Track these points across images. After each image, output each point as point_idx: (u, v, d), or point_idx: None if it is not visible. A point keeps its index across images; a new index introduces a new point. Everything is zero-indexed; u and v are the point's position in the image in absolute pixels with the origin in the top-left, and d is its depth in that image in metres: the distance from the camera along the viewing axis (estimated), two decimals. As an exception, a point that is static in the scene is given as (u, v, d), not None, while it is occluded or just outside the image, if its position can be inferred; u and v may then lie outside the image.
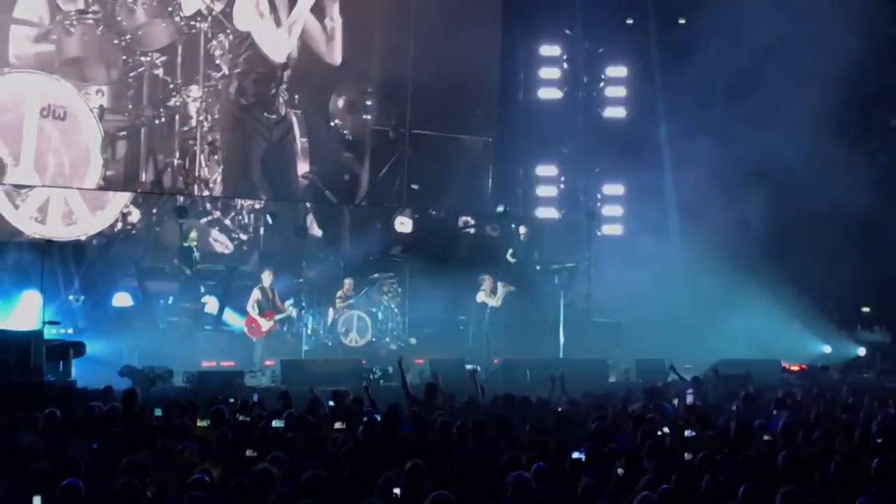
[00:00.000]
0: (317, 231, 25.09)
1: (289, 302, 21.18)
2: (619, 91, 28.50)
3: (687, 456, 10.43)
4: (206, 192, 23.90)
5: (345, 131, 25.18)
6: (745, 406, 14.40)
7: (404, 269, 23.74)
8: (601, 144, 28.10)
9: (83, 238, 22.87)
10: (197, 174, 23.59)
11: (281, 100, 24.23)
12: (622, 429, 11.98)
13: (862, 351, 24.94)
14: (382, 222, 26.01)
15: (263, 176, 24.22)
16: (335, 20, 24.48)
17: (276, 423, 11.83)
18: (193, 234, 21.51)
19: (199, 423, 11.69)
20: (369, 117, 25.42)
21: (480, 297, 21.97)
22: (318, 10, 24.47)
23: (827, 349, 24.91)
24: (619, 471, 9.52)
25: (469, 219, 27.43)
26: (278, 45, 23.97)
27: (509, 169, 27.57)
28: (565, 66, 28.44)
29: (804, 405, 14.75)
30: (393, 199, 25.84)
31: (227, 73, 23.75)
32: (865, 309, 26.57)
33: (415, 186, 25.84)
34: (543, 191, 28.27)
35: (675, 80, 26.46)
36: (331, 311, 22.25)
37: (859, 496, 8.92)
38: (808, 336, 24.76)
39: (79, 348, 17.92)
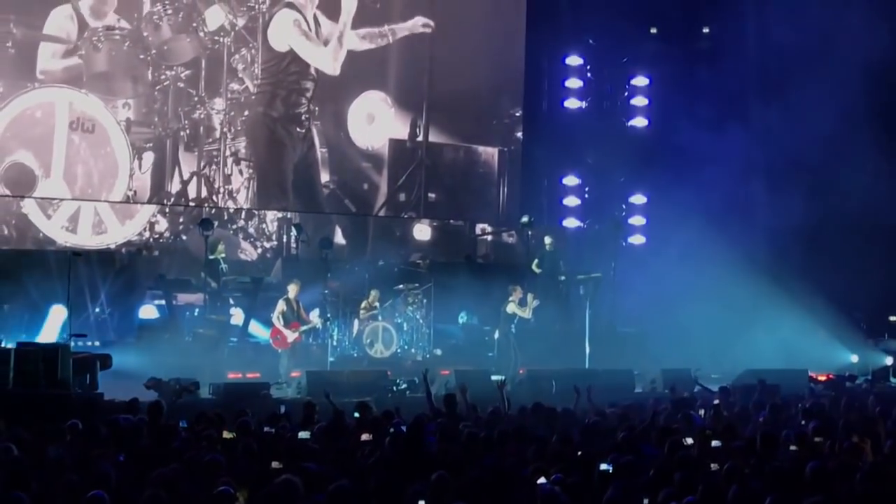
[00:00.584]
0: (341, 241, 25.27)
1: (314, 313, 21.19)
2: (643, 100, 28.49)
3: (714, 467, 10.38)
4: (229, 202, 24.10)
5: (363, 141, 25.30)
6: (773, 416, 14.33)
7: (429, 280, 23.73)
8: (625, 154, 28.08)
9: (112, 246, 23.17)
10: (222, 184, 23.84)
11: (308, 113, 24.40)
12: (649, 440, 11.94)
13: (889, 360, 24.78)
14: (401, 231, 26.13)
15: (293, 188, 24.42)
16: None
17: (302, 435, 11.83)
18: (221, 247, 21.65)
19: (226, 435, 11.69)
20: (387, 127, 25.52)
21: (510, 307, 21.79)
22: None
23: (854, 358, 24.78)
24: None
25: (486, 226, 27.55)
26: (331, 59, 24.12)
27: (534, 179, 27.58)
28: (589, 76, 28.46)
29: (832, 415, 14.67)
30: (411, 208, 25.96)
31: (250, 87, 23.95)
32: (893, 318, 26.44)
33: (432, 195, 25.97)
34: (568, 201, 28.27)
35: (699, 90, 26.44)
36: (356, 322, 22.26)
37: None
38: (836, 345, 24.65)
39: (105, 361, 17.97)
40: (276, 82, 24.02)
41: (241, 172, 24.18)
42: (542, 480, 9.54)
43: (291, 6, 23.91)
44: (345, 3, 24.33)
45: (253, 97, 24.08)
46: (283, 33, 23.84)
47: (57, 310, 20.12)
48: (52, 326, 20.31)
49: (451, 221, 26.98)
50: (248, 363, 20.35)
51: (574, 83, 28.25)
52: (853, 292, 24.63)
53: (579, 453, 10.75)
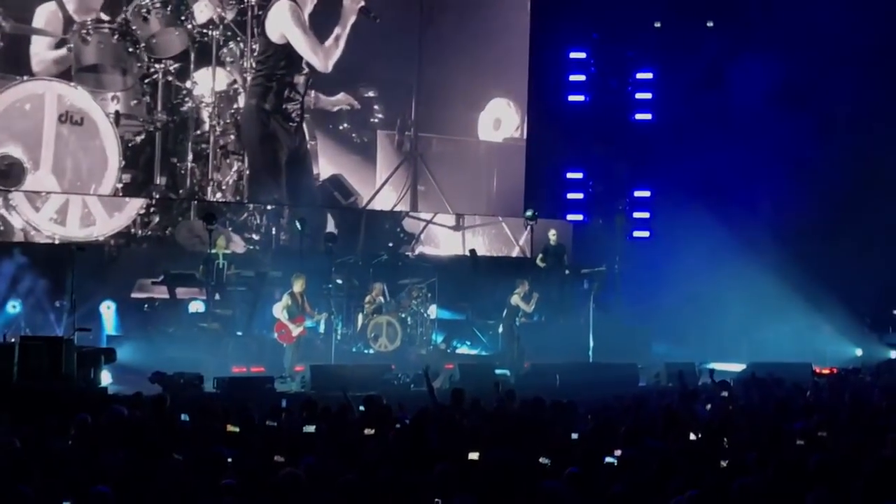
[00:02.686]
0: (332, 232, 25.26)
1: (317, 308, 21.19)
2: (647, 95, 28.46)
3: (719, 459, 10.36)
4: (218, 195, 24.08)
5: (353, 134, 25.30)
6: (777, 410, 14.31)
7: (433, 274, 23.77)
8: (630, 148, 28.08)
9: (101, 238, 23.18)
10: (210, 177, 23.84)
11: (300, 106, 24.40)
12: (653, 433, 11.92)
13: (894, 353, 24.80)
14: (391, 223, 26.07)
15: (287, 181, 24.40)
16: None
17: (306, 429, 11.81)
18: (221, 242, 21.56)
19: (230, 429, 11.69)
20: (376, 120, 25.55)
21: (515, 299, 21.95)
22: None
23: (858, 352, 24.78)
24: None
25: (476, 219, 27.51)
26: (323, 57, 24.07)
27: (538, 173, 27.54)
28: (593, 70, 28.42)
29: (836, 409, 14.65)
30: (401, 201, 25.91)
31: (239, 80, 23.99)
32: (897, 311, 26.46)
33: (422, 188, 25.95)
34: (572, 195, 28.25)
35: (703, 84, 26.41)
36: (360, 316, 22.28)
37: (893, 501, 8.83)
38: (840, 339, 24.64)
39: (109, 355, 17.98)
40: (269, 74, 24.00)
41: (229, 165, 24.18)
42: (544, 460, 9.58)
43: (291, -3, 23.87)
44: (346, 9, 24.26)
45: (242, 90, 24.03)
46: (280, 23, 23.78)
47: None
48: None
49: (442, 214, 26.79)
50: (252, 357, 20.36)
51: (578, 77, 28.22)
52: (858, 286, 24.61)
53: (584, 447, 10.73)
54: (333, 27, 24.26)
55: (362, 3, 24.18)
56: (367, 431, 11.72)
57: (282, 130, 24.21)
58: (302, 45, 23.94)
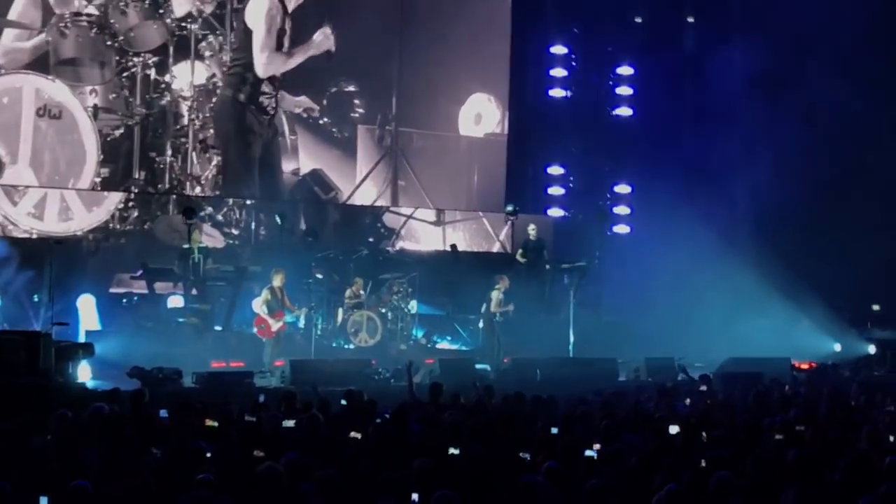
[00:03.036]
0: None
1: (297, 303, 21.15)
2: (628, 90, 28.46)
3: (698, 454, 10.39)
4: (197, 189, 24.00)
5: (333, 129, 25.26)
6: (757, 404, 14.35)
7: (414, 269, 23.76)
8: (610, 143, 28.09)
9: (79, 233, 23.09)
10: (189, 172, 23.78)
11: (275, 99, 24.36)
12: (633, 427, 11.94)
13: (872, 349, 24.88)
14: (371, 219, 26.02)
15: (260, 174, 24.34)
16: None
17: (286, 423, 11.79)
18: (196, 236, 21.36)
19: (209, 423, 11.66)
20: (357, 115, 25.50)
21: (494, 295, 21.97)
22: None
23: (837, 347, 24.85)
24: None
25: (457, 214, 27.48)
26: (266, 62, 24.07)
27: (518, 168, 27.52)
28: (574, 65, 28.40)
29: (814, 403, 14.70)
30: (381, 196, 25.86)
31: (218, 74, 23.95)
32: (876, 307, 26.51)
33: (402, 183, 25.92)
34: (553, 190, 28.24)
35: (684, 79, 26.46)
36: (340, 311, 22.25)
37: (870, 494, 8.86)
38: (819, 334, 24.70)
39: (87, 349, 17.91)
40: (246, 64, 23.99)
41: (209, 160, 24.11)
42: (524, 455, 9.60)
43: (274, -6, 23.88)
44: (315, 41, 24.35)
45: (222, 82, 23.97)
46: (256, 14, 23.81)
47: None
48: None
49: (422, 209, 26.73)
50: (231, 352, 20.30)
51: (559, 72, 28.18)
52: (836, 281, 24.68)
53: (562, 443, 10.74)
54: (302, 40, 24.33)
55: (331, 49, 24.31)
56: (354, 435, 11.61)
57: (256, 123, 24.19)
58: (258, 39, 23.93)
